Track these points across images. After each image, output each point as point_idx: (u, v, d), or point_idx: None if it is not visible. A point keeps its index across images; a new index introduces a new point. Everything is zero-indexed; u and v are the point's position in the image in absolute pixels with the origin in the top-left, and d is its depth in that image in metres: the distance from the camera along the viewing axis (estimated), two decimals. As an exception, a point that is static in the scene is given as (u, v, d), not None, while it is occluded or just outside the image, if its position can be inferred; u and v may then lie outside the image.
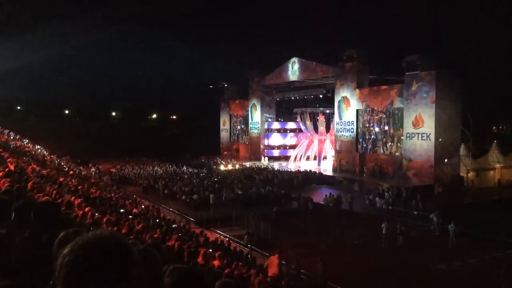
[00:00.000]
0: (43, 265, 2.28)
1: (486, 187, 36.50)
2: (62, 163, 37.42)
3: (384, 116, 41.12)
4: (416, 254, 20.16)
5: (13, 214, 3.24)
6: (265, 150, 57.99)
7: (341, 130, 45.32)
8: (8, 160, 15.54)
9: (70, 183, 18.62)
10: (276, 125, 59.49)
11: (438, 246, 21.26)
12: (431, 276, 17.50)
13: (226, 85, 68.92)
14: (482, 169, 38.63)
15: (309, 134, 53.06)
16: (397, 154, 39.64)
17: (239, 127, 65.61)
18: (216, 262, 10.55)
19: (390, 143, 40.67)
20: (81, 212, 8.76)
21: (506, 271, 15.79)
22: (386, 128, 41.04)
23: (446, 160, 35.63)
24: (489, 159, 39.86)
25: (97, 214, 10.52)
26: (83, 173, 36.55)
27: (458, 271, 18.07)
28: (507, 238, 20.63)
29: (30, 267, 2.43)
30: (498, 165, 39.42)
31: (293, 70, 51.34)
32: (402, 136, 38.74)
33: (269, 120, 59.27)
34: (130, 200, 25.52)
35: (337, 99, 45.34)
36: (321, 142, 51.43)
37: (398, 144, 39.72)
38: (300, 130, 55.67)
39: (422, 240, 22.50)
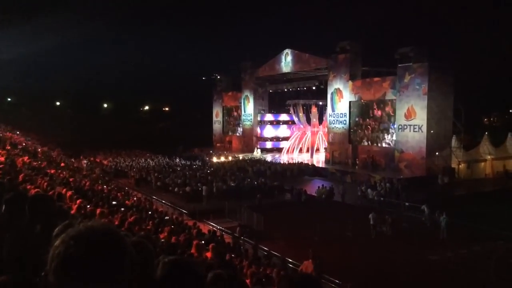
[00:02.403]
0: (37, 259, 2.27)
1: (479, 179, 36.91)
2: (53, 155, 37.17)
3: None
4: (408, 245, 20.31)
5: (4, 206, 3.22)
6: (258, 142, 58.01)
7: (333, 122, 45.42)
8: (-2, 152, 15.41)
9: (61, 175, 18.51)
10: (269, 117, 59.46)
11: (430, 237, 21.43)
12: (423, 266, 17.66)
13: (218, 77, 68.66)
14: (474, 161, 38.93)
15: (302, 126, 53.14)
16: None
17: (222, 119, 65.98)
18: (208, 254, 10.56)
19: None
20: (75, 206, 8.72)
21: (496, 262, 15.98)
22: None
23: (437, 153, 35.89)
24: (480, 150, 40.16)
25: (89, 206, 10.47)
26: (74, 165, 36.36)
27: (450, 261, 18.24)
28: (498, 229, 20.83)
29: (24, 260, 2.41)
30: (489, 157, 39.74)
31: (286, 61, 51.26)
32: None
33: (262, 112, 59.22)
34: (122, 193, 25.47)
35: (330, 91, 45.38)
36: (314, 134, 51.54)
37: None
38: (293, 122, 55.73)
39: (413, 231, 22.66)
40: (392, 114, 39.48)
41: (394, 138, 39.27)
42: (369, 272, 16.83)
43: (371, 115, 41.95)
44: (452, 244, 20.11)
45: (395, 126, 38.89)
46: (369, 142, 42.19)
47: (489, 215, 23.84)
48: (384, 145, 40.71)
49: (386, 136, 40.56)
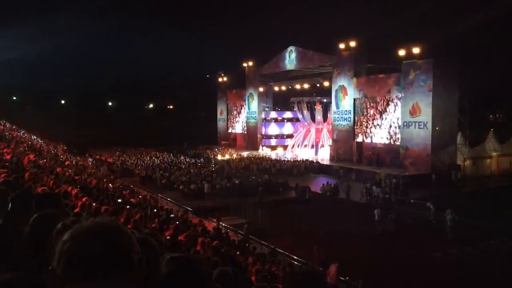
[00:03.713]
0: (44, 256, 2.28)
1: (485, 175, 36.76)
2: (59, 154, 37.33)
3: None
4: (413, 242, 20.30)
5: (10, 204, 3.24)
6: (263, 140, 58.00)
7: (338, 119, 45.33)
8: (4, 150, 15.51)
9: (67, 173, 18.59)
10: (273, 114, 59.41)
11: (435, 234, 21.38)
12: (427, 263, 17.64)
13: (223, 74, 68.70)
14: (479, 158, 38.77)
15: (306, 124, 53.08)
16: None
17: (227, 117, 66.67)
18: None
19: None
20: (80, 203, 8.77)
21: (502, 259, 15.92)
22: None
23: (444, 150, 35.71)
24: (485, 147, 39.98)
25: (94, 204, 10.53)
26: (80, 163, 36.49)
27: (454, 258, 18.20)
28: (503, 226, 20.73)
29: (31, 258, 2.42)
30: (495, 153, 39.57)
31: (290, 59, 51.17)
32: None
33: (266, 109, 59.18)
34: (128, 190, 25.53)
35: (334, 88, 45.28)
36: (318, 131, 51.47)
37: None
38: (297, 120, 55.66)
39: (418, 228, 22.64)
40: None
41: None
42: (374, 268, 16.83)
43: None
44: (457, 241, 20.06)
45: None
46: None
47: (494, 212, 23.73)
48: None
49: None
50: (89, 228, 1.19)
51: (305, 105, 52.52)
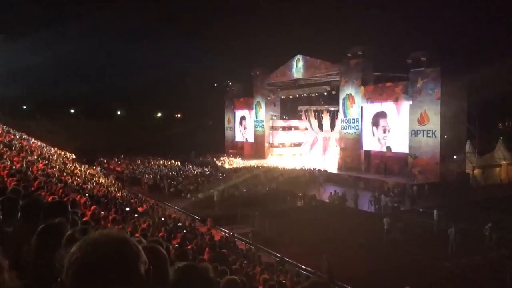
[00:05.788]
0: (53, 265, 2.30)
1: (494, 184, 36.39)
2: (68, 162, 37.53)
3: None
4: (421, 251, 20.09)
5: (20, 213, 3.27)
6: (270, 148, 57.99)
7: (346, 127, 45.23)
8: (14, 159, 15.63)
9: (75, 182, 18.70)
10: (280, 123, 59.44)
11: (442, 243, 21.15)
12: (437, 273, 17.45)
13: (230, 83, 68.98)
14: (488, 166, 38.45)
15: (313, 132, 53.00)
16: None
17: (234, 125, 66.92)
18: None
19: None
20: (89, 212, 8.82)
21: (512, 269, 15.73)
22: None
23: (455, 157, 35.46)
24: (495, 156, 39.66)
25: (102, 212, 10.58)
26: (88, 172, 36.65)
27: (464, 268, 17.99)
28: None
29: (40, 266, 2.44)
30: (504, 162, 39.23)
31: (298, 67, 51.27)
32: None
33: (274, 118, 59.23)
34: (136, 199, 25.60)
35: (341, 96, 45.24)
36: (326, 140, 51.35)
37: None
38: (305, 128, 55.62)
39: (427, 237, 22.42)
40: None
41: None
42: (382, 278, 16.67)
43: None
44: (466, 250, 19.83)
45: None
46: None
47: (505, 221, 23.46)
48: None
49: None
50: (97, 240, 1.21)
51: (313, 113, 52.49)
